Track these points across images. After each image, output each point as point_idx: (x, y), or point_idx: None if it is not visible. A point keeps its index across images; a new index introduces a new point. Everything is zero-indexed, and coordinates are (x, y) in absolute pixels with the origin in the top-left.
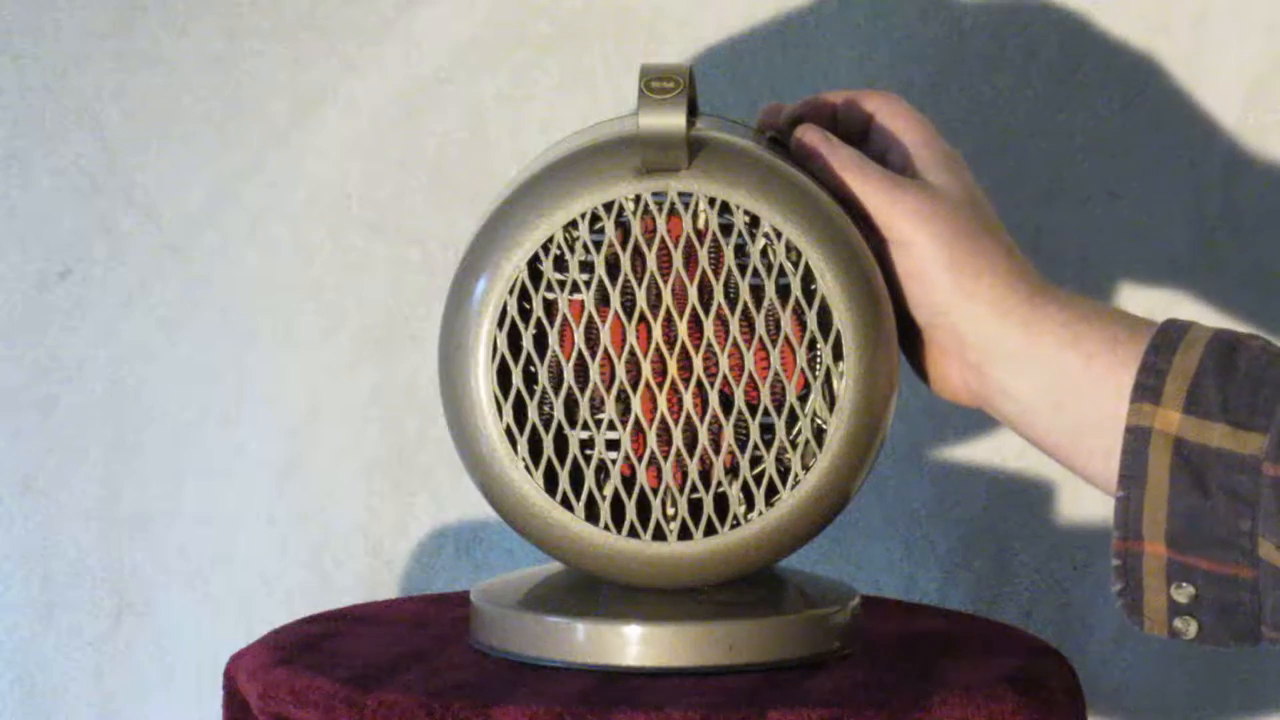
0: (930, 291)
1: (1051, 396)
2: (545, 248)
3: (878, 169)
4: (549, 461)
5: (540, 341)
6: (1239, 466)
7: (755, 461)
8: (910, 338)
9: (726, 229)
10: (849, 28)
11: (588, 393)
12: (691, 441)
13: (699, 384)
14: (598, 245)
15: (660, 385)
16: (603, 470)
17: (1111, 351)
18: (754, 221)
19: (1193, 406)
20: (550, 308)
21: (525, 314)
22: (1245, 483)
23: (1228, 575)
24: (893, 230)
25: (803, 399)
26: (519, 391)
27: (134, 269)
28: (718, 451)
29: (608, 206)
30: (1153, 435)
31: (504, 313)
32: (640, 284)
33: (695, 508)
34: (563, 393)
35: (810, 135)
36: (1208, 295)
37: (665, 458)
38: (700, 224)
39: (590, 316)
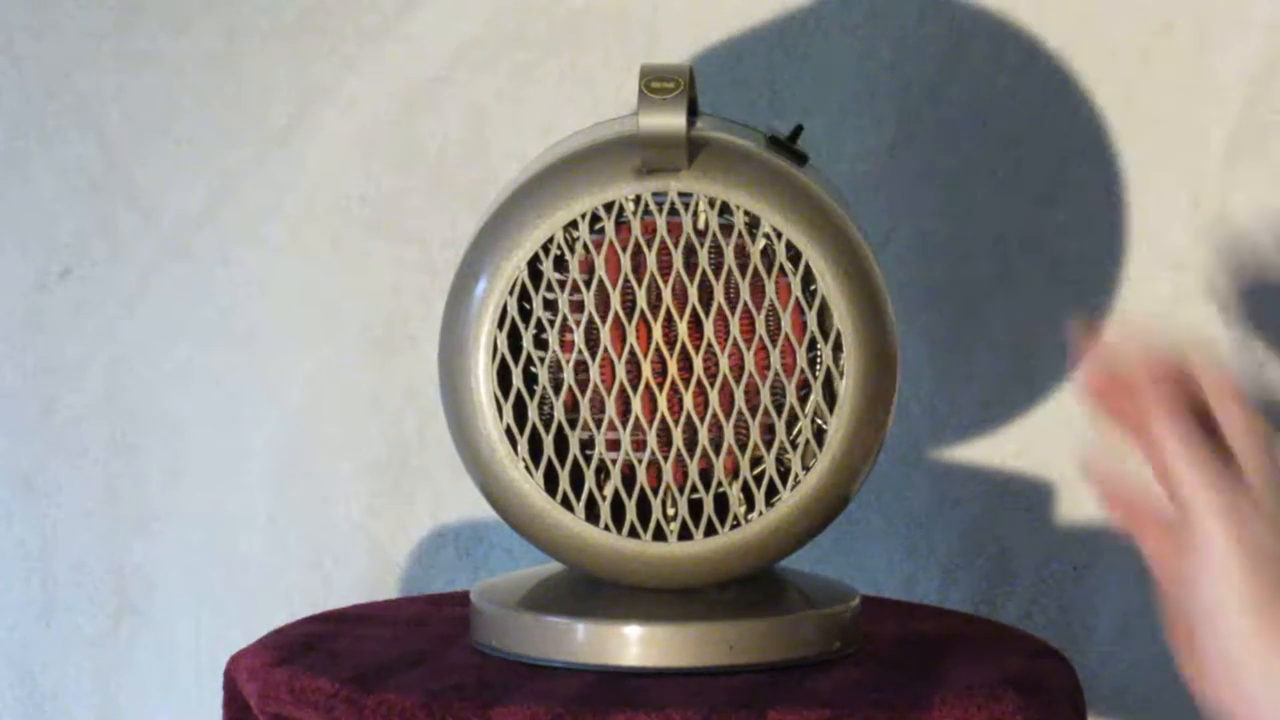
0: (1222, 638)
1: None
2: (545, 248)
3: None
4: (549, 462)
5: (540, 342)
6: None
7: (755, 462)
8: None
9: (727, 229)
10: (849, 28)
11: (588, 393)
12: (692, 442)
13: (699, 384)
14: (598, 245)
15: (660, 385)
16: (603, 470)
17: None
18: (754, 222)
19: None
20: (551, 308)
21: (525, 314)
22: None
23: None
24: (1200, 591)
25: (803, 399)
26: (519, 392)
27: (134, 269)
28: (718, 452)
29: (608, 207)
30: None
31: (504, 313)
32: (640, 284)
33: (695, 508)
34: (563, 393)
35: (1177, 428)
36: (1207, 295)
37: (665, 458)
38: (700, 224)
39: (590, 317)
